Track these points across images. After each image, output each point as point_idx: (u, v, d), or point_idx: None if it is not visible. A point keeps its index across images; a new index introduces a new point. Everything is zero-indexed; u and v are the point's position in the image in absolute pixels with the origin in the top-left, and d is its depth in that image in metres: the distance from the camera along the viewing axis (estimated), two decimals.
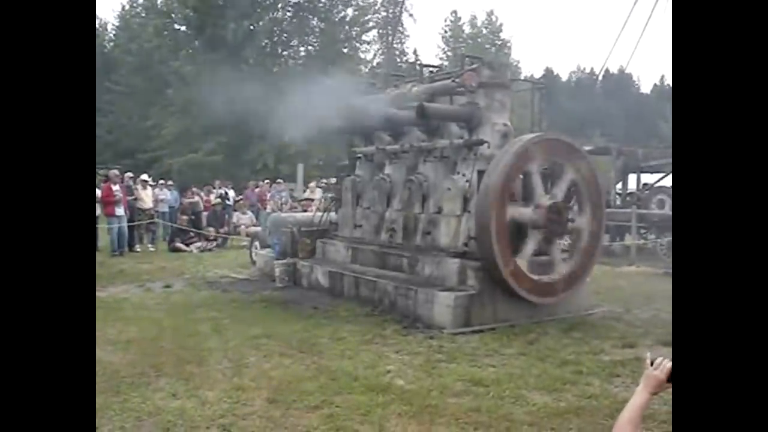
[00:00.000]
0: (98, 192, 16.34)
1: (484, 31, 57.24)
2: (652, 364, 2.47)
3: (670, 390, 2.35)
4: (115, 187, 15.89)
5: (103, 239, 16.56)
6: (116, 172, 16.38)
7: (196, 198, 19.30)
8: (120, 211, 15.76)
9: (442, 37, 57.98)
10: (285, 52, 35.08)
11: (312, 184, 19.97)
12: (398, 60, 46.56)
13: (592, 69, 60.89)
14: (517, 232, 8.46)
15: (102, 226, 16.58)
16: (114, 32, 44.85)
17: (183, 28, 33.66)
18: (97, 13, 46.40)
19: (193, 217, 18.28)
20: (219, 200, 19.83)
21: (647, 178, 18.66)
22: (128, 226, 16.17)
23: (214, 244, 17.70)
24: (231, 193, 21.18)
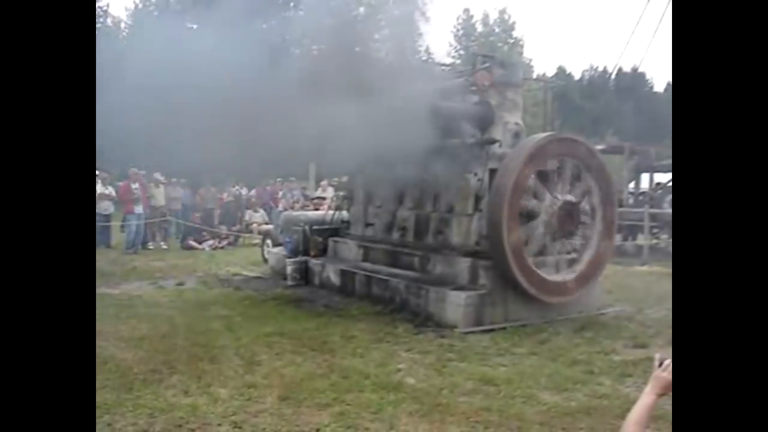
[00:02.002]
0: (111, 190, 16.49)
1: (497, 30, 57.03)
2: (660, 365, 2.46)
3: None
4: (135, 185, 15.99)
5: (117, 236, 16.69)
6: (135, 170, 16.47)
7: (209, 196, 19.41)
8: (139, 209, 15.87)
9: (455, 36, 57.83)
10: (297, 51, 35.06)
11: (324, 183, 20.00)
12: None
13: (605, 68, 60.47)
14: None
15: (116, 224, 16.71)
16: (127, 31, 45.00)
17: (195, 26, 33.72)
18: (110, 11, 46.63)
19: (205, 215, 18.39)
20: (232, 199, 19.94)
21: (660, 178, 18.56)
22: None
23: (227, 242, 17.79)
24: (244, 191, 21.28)
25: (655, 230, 16.91)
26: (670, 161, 17.62)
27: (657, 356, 2.52)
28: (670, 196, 16.71)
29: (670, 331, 7.71)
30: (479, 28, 57.72)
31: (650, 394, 2.44)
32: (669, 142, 18.48)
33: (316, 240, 11.60)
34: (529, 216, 8.41)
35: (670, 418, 4.80)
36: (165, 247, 17.07)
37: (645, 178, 19.18)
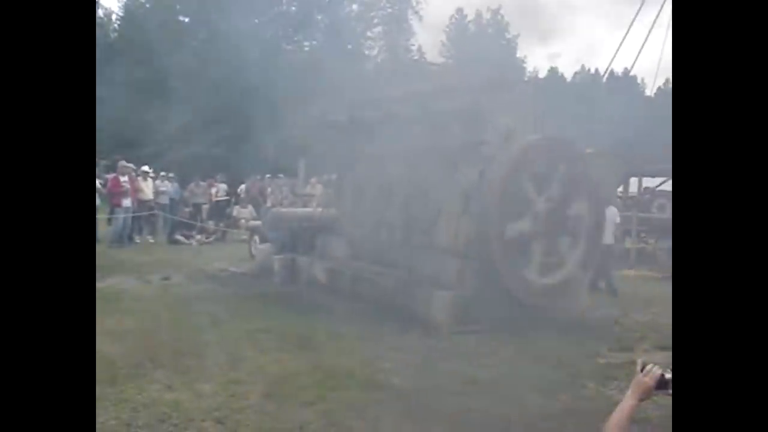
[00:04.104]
0: (99, 183, 16.35)
1: (490, 30, 57.12)
2: (642, 370, 2.47)
3: (658, 397, 2.36)
4: (123, 179, 15.86)
5: (103, 230, 16.57)
6: (124, 163, 16.35)
7: (197, 190, 19.34)
8: (127, 202, 15.73)
9: (447, 35, 57.84)
10: (289, 47, 35.00)
11: (313, 180, 19.95)
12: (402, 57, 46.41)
13: (596, 70, 60.74)
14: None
15: (101, 217, 16.58)
16: (118, 22, 44.61)
17: (187, 19, 33.58)
18: (102, 2, 46.25)
19: (193, 209, 18.32)
20: (225, 196, 19.94)
21: (649, 182, 18.66)
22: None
23: (214, 237, 17.73)
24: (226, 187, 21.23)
25: (642, 234, 17.00)
26: (658, 166, 17.72)
27: (639, 361, 2.52)
28: (659, 201, 16.82)
29: (655, 335, 7.79)
30: (472, 28, 57.86)
31: (631, 399, 2.45)
32: (658, 146, 18.62)
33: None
34: (517, 218, 8.41)
35: (652, 421, 4.84)
36: (152, 241, 16.98)
37: (633, 182, 19.29)
